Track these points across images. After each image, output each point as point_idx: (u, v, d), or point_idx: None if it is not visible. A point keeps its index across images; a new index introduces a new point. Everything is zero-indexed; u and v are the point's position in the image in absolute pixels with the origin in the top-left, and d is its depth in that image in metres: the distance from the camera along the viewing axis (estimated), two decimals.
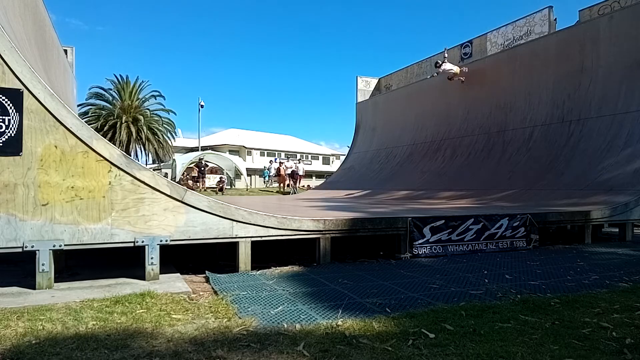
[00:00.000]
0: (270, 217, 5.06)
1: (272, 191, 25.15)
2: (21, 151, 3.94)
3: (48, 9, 10.15)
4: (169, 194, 4.50)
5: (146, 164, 23.89)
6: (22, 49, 4.43)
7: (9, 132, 3.90)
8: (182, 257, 5.68)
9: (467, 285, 4.29)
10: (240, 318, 3.21)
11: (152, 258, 4.43)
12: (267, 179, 32.10)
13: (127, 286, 4.20)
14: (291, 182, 23.68)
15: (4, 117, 3.88)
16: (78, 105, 28.02)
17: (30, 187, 3.97)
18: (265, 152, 56.56)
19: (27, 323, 3.08)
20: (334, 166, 49.41)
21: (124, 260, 5.28)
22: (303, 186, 26.68)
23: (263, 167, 36.86)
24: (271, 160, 33.05)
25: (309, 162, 55.22)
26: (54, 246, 4.05)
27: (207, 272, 4.80)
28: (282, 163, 25.98)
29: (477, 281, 4.45)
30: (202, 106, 40.30)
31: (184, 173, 29.12)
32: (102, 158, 4.22)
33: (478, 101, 15.14)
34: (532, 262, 5.49)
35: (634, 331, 2.94)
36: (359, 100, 23.59)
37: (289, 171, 23.70)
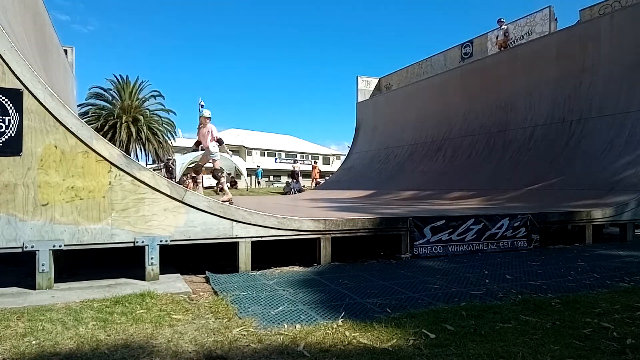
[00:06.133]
0: (271, 217, 5.05)
1: (273, 191, 25.14)
2: (21, 151, 3.94)
3: (52, 9, 10.15)
4: (169, 194, 4.49)
5: (146, 164, 23.92)
6: (22, 49, 4.43)
7: (9, 132, 3.90)
8: (182, 258, 5.67)
9: (467, 285, 4.28)
10: (240, 318, 3.20)
11: (152, 258, 4.43)
12: (260, 177, 32.92)
13: (127, 286, 4.20)
14: (292, 182, 23.70)
15: (4, 117, 3.87)
16: (78, 105, 28.02)
17: (30, 187, 3.97)
18: (266, 152, 56.58)
19: (27, 323, 3.07)
20: (335, 166, 49.42)
21: (124, 261, 5.28)
22: (304, 186, 26.71)
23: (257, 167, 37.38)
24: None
25: (310, 162, 55.30)
26: (54, 246, 4.05)
27: (207, 272, 4.79)
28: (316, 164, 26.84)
29: (477, 281, 4.44)
30: (202, 106, 40.29)
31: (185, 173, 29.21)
32: (102, 158, 4.22)
33: (479, 101, 15.13)
34: (533, 262, 5.48)
35: (635, 331, 2.93)
36: (360, 100, 23.59)
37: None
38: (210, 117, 8.00)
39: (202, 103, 39.89)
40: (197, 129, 8.06)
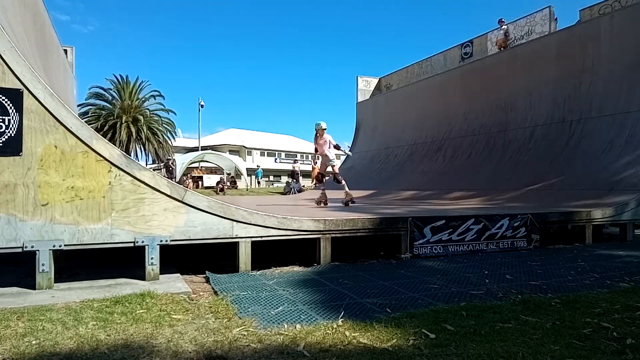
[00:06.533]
0: (271, 217, 5.05)
1: (273, 191, 25.16)
2: (21, 151, 3.94)
3: (52, 9, 10.16)
4: (169, 194, 4.49)
5: (146, 164, 23.94)
6: (22, 49, 4.43)
7: (9, 132, 3.90)
8: (182, 257, 5.67)
9: (467, 285, 4.28)
10: (240, 318, 3.21)
11: (152, 258, 4.43)
12: (260, 177, 33.10)
13: (127, 286, 4.20)
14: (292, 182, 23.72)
15: (4, 117, 3.87)
16: (78, 105, 28.03)
17: (30, 187, 3.96)
18: (266, 152, 56.62)
19: (27, 323, 3.07)
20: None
21: (124, 261, 5.28)
22: (303, 186, 26.75)
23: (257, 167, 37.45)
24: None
25: (310, 162, 55.40)
26: (54, 246, 4.04)
27: (207, 272, 4.79)
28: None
29: (477, 281, 4.44)
30: (202, 106, 40.41)
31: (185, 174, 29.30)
32: (102, 158, 4.22)
33: (479, 101, 15.13)
34: (533, 262, 5.48)
35: (635, 331, 2.93)
36: (360, 100, 23.60)
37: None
38: (326, 129, 8.71)
39: (202, 103, 39.98)
40: (313, 139, 9.05)
